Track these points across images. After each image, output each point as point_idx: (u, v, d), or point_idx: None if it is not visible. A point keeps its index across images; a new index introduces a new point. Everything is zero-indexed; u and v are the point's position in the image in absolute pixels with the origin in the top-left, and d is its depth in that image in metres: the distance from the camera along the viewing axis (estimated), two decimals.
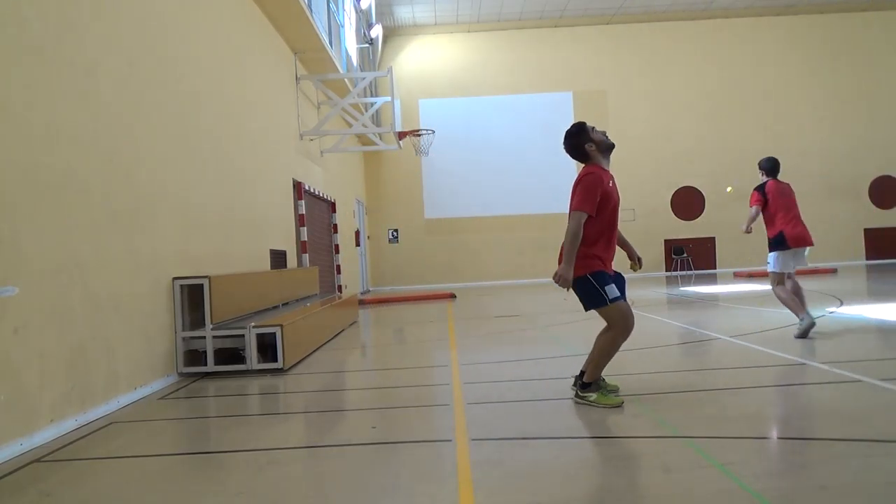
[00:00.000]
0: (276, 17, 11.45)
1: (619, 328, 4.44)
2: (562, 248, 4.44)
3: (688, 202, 24.60)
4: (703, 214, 24.42)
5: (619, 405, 4.40)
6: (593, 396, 4.47)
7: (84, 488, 3.58)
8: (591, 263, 4.45)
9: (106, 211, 5.36)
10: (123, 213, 5.65)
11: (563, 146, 4.66)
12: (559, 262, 4.46)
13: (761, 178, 7.46)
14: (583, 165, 4.63)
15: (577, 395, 4.58)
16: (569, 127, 4.64)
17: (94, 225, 5.17)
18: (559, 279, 4.42)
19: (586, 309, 4.57)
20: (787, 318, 8.78)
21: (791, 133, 24.24)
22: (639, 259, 4.88)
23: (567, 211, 4.57)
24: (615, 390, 4.64)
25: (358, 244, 20.28)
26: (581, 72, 24.71)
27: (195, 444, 4.62)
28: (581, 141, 4.58)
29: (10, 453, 4.01)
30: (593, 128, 4.66)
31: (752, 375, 4.84)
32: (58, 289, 4.62)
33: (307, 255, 12.78)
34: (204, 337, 6.65)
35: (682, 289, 16.27)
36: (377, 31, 22.38)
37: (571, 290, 4.47)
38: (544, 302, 14.53)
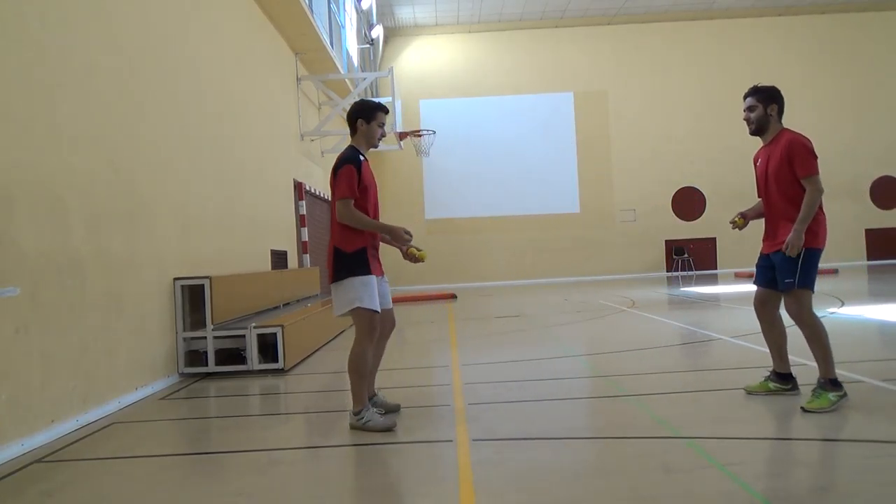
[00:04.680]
0: (276, 17, 11.46)
1: (812, 314, 4.27)
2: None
3: (688, 202, 24.59)
4: (703, 215, 24.41)
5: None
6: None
7: (85, 489, 3.58)
8: (823, 235, 4.38)
9: (106, 211, 5.36)
10: (124, 213, 5.66)
11: (758, 94, 4.58)
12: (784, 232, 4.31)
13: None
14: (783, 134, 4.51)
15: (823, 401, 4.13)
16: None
17: (94, 225, 5.17)
18: (791, 247, 4.24)
19: (791, 286, 4.27)
20: (787, 318, 8.77)
21: None
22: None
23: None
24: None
25: None
26: (582, 72, 24.72)
27: (196, 444, 4.62)
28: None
29: (11, 453, 4.01)
30: None
31: (753, 376, 4.83)
32: (58, 289, 4.62)
33: (308, 255, 12.79)
34: (205, 337, 6.65)
35: (682, 289, 16.27)
36: (378, 32, 22.39)
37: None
38: (545, 303, 14.52)
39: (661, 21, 24.57)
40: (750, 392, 4.63)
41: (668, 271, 24.22)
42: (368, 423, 4.19)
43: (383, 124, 4.50)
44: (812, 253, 4.30)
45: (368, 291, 4.22)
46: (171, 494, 3.39)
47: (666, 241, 24.42)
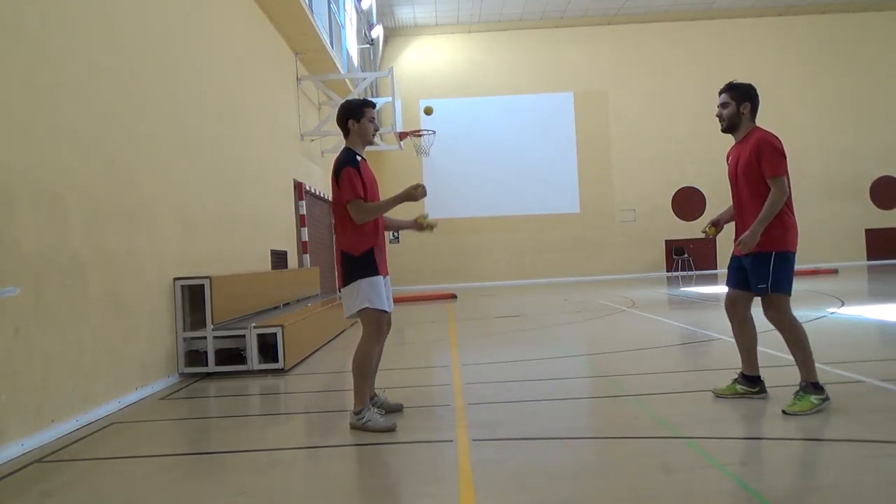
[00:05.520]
0: (276, 17, 11.46)
1: (792, 318, 4.21)
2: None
3: (688, 202, 24.59)
4: (703, 215, 24.40)
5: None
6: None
7: (85, 489, 3.58)
8: (793, 238, 4.23)
9: (106, 211, 5.36)
10: (124, 213, 5.66)
11: (732, 91, 4.40)
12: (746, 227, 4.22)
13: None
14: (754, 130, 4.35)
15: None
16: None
17: (94, 225, 5.18)
18: (743, 245, 4.17)
19: (764, 291, 4.20)
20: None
21: (791, 133, 24.13)
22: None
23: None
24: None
25: None
26: (582, 72, 24.72)
27: (196, 444, 4.62)
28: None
29: (11, 453, 4.01)
30: None
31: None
32: (58, 289, 4.62)
33: (308, 255, 12.79)
34: (205, 337, 6.66)
35: (682, 289, 16.27)
36: (378, 32, 22.39)
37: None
38: (545, 303, 14.52)
39: (661, 21, 24.57)
40: (718, 395, 4.61)
41: (668, 271, 24.21)
42: (368, 423, 4.20)
43: (373, 119, 4.48)
44: (782, 256, 4.18)
45: (376, 292, 4.27)
46: (171, 494, 3.39)
47: (666, 241, 24.41)
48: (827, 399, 4.09)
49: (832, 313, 9.25)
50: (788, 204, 4.22)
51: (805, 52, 24.65)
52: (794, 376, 4.44)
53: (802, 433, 3.81)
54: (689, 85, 24.57)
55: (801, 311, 9.48)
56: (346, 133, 4.48)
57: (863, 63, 24.59)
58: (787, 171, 4.20)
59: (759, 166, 4.20)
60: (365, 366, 4.29)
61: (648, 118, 24.51)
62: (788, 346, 4.24)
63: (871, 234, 24.46)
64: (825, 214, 24.03)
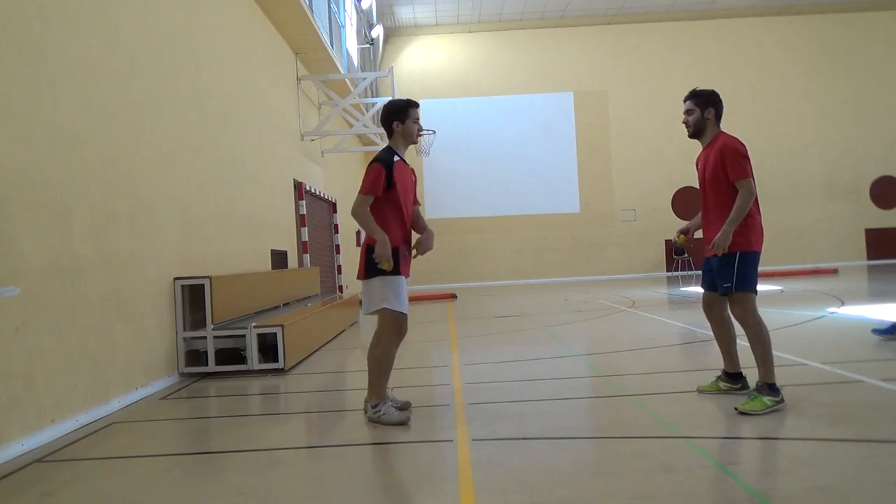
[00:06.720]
0: (276, 17, 11.45)
1: (756, 316, 4.28)
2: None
3: (688, 202, 24.55)
4: None
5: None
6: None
7: (85, 488, 3.58)
8: (757, 238, 4.30)
9: (106, 211, 5.36)
10: (124, 213, 5.66)
11: (696, 98, 4.60)
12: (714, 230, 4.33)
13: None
14: (719, 135, 4.52)
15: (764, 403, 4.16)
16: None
17: (94, 225, 5.18)
18: (716, 247, 4.27)
19: (729, 290, 4.28)
20: (787, 318, 8.79)
21: (791, 133, 24.26)
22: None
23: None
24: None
25: (359, 244, 20.29)
26: (582, 72, 24.73)
27: (196, 444, 4.62)
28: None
29: (11, 453, 4.01)
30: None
31: (752, 376, 4.83)
32: (58, 289, 4.62)
33: (308, 255, 12.79)
34: (205, 337, 6.66)
35: (682, 289, 16.27)
36: (378, 32, 22.39)
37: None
38: (545, 303, 14.53)
39: (661, 21, 24.58)
40: (702, 392, 4.76)
41: (668, 271, 24.21)
42: (384, 416, 4.27)
43: (417, 119, 4.53)
44: (747, 256, 4.27)
45: (395, 291, 4.28)
46: (171, 494, 3.39)
47: (666, 241, 24.41)
48: (782, 402, 4.15)
49: (832, 313, 9.25)
50: (756, 205, 4.33)
51: (805, 52, 24.66)
52: (793, 375, 4.45)
53: (802, 433, 3.81)
54: (689, 85, 24.00)
55: (802, 311, 9.53)
56: (390, 133, 4.53)
57: (863, 63, 24.59)
58: (752, 174, 4.30)
59: (724, 171, 4.33)
60: (384, 363, 4.35)
61: (648, 118, 24.51)
62: (750, 343, 4.32)
63: (871, 233, 24.46)
64: (825, 214, 24.06)
